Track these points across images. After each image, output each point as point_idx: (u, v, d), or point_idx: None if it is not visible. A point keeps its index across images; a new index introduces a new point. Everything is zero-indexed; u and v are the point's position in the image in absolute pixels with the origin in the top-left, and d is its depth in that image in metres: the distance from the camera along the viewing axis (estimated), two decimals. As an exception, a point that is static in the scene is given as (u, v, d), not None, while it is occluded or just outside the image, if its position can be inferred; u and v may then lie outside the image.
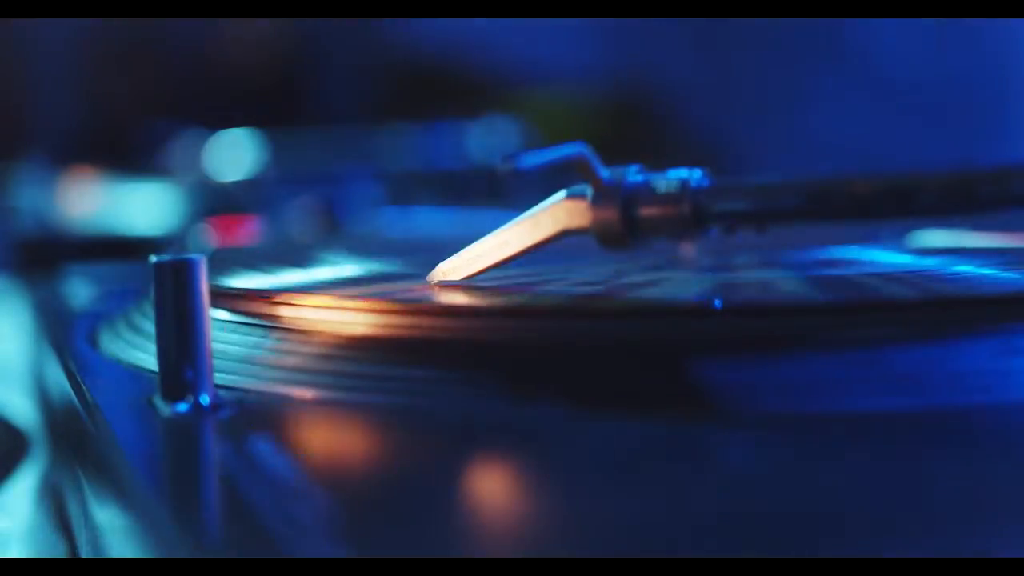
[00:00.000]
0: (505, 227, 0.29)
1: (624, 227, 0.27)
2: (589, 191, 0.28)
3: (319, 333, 0.25)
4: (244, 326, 0.27)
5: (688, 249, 0.34)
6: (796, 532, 0.16)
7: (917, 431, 0.20)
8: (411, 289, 0.28)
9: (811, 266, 0.31)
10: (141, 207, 0.68)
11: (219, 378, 0.24)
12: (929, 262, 0.32)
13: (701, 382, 0.22)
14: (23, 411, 0.40)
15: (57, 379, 0.29)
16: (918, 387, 0.22)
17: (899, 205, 0.26)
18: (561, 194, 0.28)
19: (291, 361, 0.25)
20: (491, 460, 0.20)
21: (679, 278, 0.31)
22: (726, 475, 0.18)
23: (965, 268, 0.30)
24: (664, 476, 0.18)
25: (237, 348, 0.26)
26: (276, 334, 0.26)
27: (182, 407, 0.22)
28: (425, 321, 0.25)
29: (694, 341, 0.23)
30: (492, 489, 0.19)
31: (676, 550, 0.15)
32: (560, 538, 0.16)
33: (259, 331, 0.26)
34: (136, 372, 0.27)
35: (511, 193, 0.60)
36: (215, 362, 0.23)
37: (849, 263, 0.32)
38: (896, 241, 0.35)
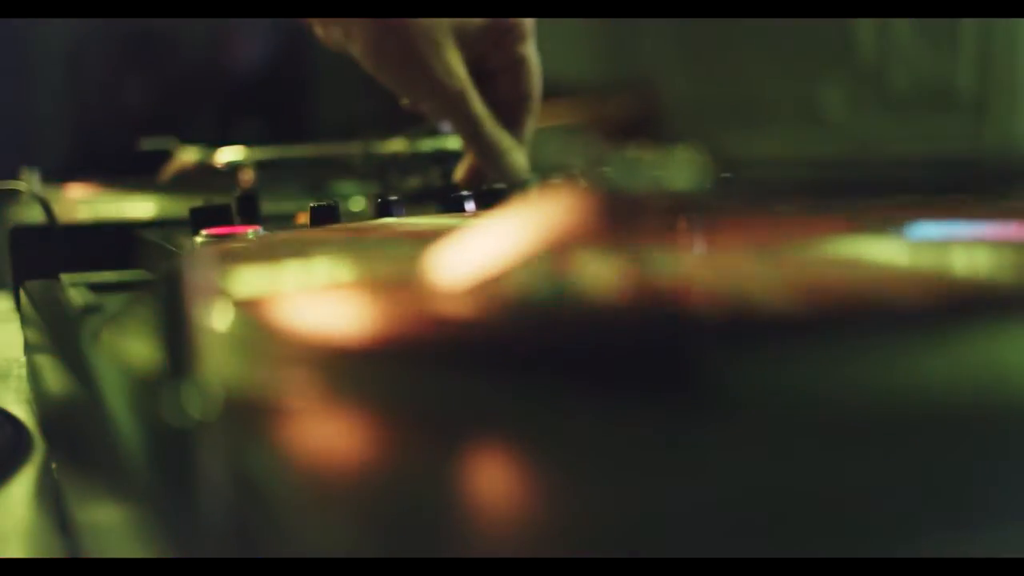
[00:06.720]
0: (502, 223, 0.29)
1: (618, 214, 0.28)
2: (580, 180, 0.28)
3: (319, 333, 0.25)
4: (245, 325, 0.27)
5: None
6: (796, 532, 0.16)
7: (919, 429, 0.20)
8: (410, 289, 0.28)
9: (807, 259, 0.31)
10: (143, 217, 0.68)
11: (219, 377, 0.24)
12: (926, 254, 0.32)
13: (702, 378, 0.22)
14: (23, 411, 0.40)
15: (57, 379, 0.29)
16: (920, 383, 0.22)
17: (895, 190, 0.26)
18: (552, 187, 0.28)
19: (292, 360, 0.25)
20: (491, 459, 0.20)
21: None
22: (726, 473, 0.18)
23: (963, 260, 0.30)
24: (665, 475, 0.18)
25: (237, 348, 0.26)
26: (278, 332, 0.26)
27: (183, 405, 0.22)
28: (425, 322, 0.25)
29: (694, 336, 0.23)
30: (491, 489, 0.19)
31: (676, 550, 0.15)
32: (559, 538, 0.16)
33: (260, 331, 0.26)
34: (137, 372, 0.27)
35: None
36: (215, 362, 0.23)
37: (845, 255, 0.32)
38: (892, 232, 0.35)
